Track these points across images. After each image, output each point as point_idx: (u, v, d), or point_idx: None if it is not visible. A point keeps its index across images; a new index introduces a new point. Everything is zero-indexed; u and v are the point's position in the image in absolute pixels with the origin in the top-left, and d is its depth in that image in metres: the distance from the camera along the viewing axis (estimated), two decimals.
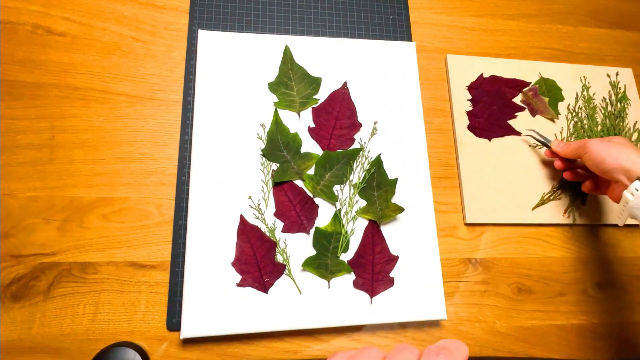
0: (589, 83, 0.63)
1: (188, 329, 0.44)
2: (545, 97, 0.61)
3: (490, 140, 0.58)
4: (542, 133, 0.59)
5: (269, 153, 0.50)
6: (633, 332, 0.54)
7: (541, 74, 0.62)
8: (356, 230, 0.50)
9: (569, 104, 0.61)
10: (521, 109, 0.60)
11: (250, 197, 0.49)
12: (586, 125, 0.61)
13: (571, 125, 0.60)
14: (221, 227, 0.47)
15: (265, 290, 0.46)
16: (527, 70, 0.62)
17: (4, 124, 0.48)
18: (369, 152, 0.53)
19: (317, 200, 0.50)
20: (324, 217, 0.50)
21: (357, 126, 0.53)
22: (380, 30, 0.60)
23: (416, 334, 0.50)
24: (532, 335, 0.52)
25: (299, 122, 0.53)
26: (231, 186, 0.49)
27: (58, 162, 0.48)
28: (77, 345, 0.43)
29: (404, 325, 0.49)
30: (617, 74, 0.64)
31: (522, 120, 0.59)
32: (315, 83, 0.54)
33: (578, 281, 0.55)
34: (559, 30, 0.67)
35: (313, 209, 0.50)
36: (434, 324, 0.50)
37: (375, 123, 0.54)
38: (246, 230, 0.48)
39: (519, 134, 0.59)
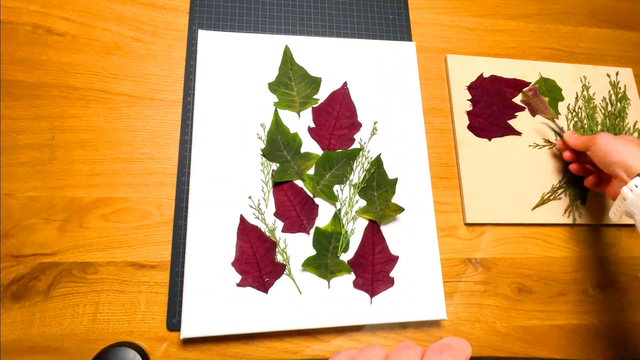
0: (589, 83, 0.63)
1: (188, 329, 0.44)
2: (545, 97, 0.61)
3: (490, 140, 0.58)
4: (544, 133, 0.59)
5: (269, 153, 0.50)
6: (633, 332, 0.54)
7: (541, 74, 0.62)
8: (356, 230, 0.50)
9: (569, 104, 0.61)
10: (521, 109, 0.60)
11: (250, 197, 0.49)
12: (586, 125, 0.61)
13: (571, 125, 0.60)
14: (221, 227, 0.47)
15: (265, 290, 0.46)
16: (527, 70, 0.62)
17: (4, 124, 0.48)
18: (369, 152, 0.53)
19: (317, 200, 0.50)
20: (324, 217, 0.50)
21: (357, 126, 0.53)
22: (380, 30, 0.60)
23: (416, 334, 0.50)
24: (532, 335, 0.52)
25: (299, 122, 0.53)
26: (231, 186, 0.49)
27: (58, 162, 0.48)
28: (77, 345, 0.43)
29: (404, 325, 0.49)
30: (617, 74, 0.64)
31: (522, 120, 0.59)
32: (315, 83, 0.54)
33: (578, 281, 0.55)
34: (559, 30, 0.67)
35: (313, 209, 0.50)
36: (434, 324, 0.50)
37: (375, 123, 0.54)
38: (246, 230, 0.48)
39: (519, 134, 0.59)
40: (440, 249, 0.52)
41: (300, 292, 0.47)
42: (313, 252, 0.48)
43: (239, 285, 0.46)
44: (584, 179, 0.55)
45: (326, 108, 0.54)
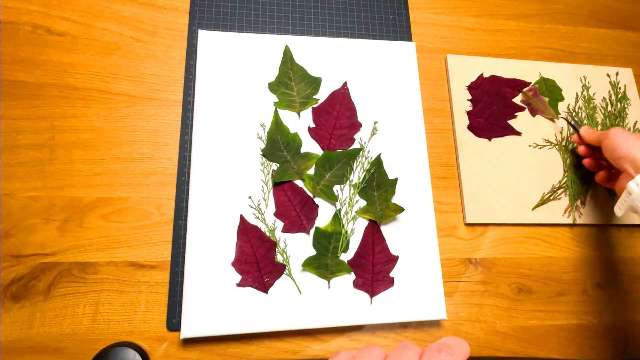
0: (589, 83, 0.63)
1: (188, 329, 0.44)
2: (545, 97, 0.61)
3: (490, 140, 0.58)
4: (544, 133, 0.59)
5: (269, 153, 0.50)
6: (633, 332, 0.54)
7: (541, 74, 0.62)
8: (356, 230, 0.50)
9: (569, 104, 0.61)
10: (521, 109, 0.60)
11: (250, 197, 0.49)
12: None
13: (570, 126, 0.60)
14: (221, 227, 0.47)
15: (265, 290, 0.46)
16: (527, 70, 0.62)
17: (4, 124, 0.48)
18: (369, 152, 0.53)
19: (317, 200, 0.50)
20: (324, 217, 0.50)
21: (357, 126, 0.53)
22: (380, 30, 0.60)
23: (416, 334, 0.50)
24: (532, 335, 0.52)
25: (299, 122, 0.53)
26: (231, 186, 0.49)
27: (58, 162, 0.48)
28: (77, 345, 0.43)
29: (404, 325, 0.49)
30: (617, 74, 0.64)
31: (522, 120, 0.59)
32: (315, 83, 0.54)
33: (578, 281, 0.55)
34: (559, 30, 0.67)
35: (313, 209, 0.50)
36: (434, 324, 0.50)
37: (375, 123, 0.54)
38: (246, 230, 0.48)
39: (519, 134, 0.59)
40: (440, 249, 0.52)
41: (300, 292, 0.47)
42: (313, 252, 0.48)
43: (239, 285, 0.46)
44: (587, 175, 0.56)
45: (326, 108, 0.54)
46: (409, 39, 0.61)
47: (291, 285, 0.47)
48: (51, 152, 0.49)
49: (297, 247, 0.48)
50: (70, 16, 0.53)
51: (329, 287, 0.48)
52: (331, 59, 0.56)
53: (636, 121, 0.62)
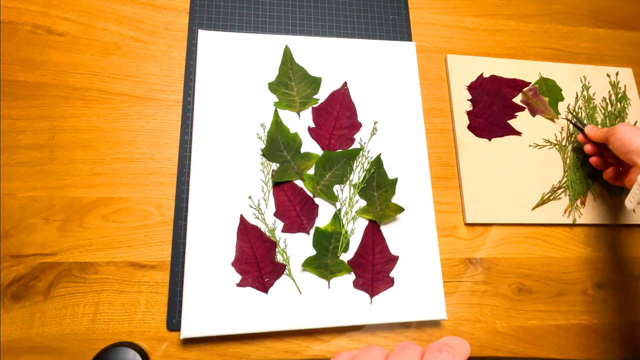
0: (589, 83, 0.63)
1: (188, 329, 0.44)
2: (545, 97, 0.61)
3: (490, 140, 0.58)
4: (544, 133, 0.59)
5: (269, 153, 0.50)
6: (633, 332, 0.54)
7: (541, 74, 0.62)
8: (356, 230, 0.50)
9: (569, 104, 0.61)
10: (521, 109, 0.60)
11: (250, 197, 0.49)
12: None
13: (571, 126, 0.60)
14: (221, 227, 0.47)
15: (265, 290, 0.46)
16: (527, 70, 0.62)
17: (4, 124, 0.48)
18: (369, 152, 0.53)
19: (317, 200, 0.50)
20: (324, 217, 0.50)
21: (357, 126, 0.53)
22: (380, 30, 0.60)
23: (416, 334, 0.50)
24: (532, 335, 0.52)
25: (299, 122, 0.53)
26: (231, 186, 0.49)
27: (58, 162, 0.48)
28: (77, 345, 0.43)
29: (404, 325, 0.49)
30: (617, 74, 0.64)
31: (522, 120, 0.59)
32: (315, 83, 0.54)
33: (578, 281, 0.55)
34: (559, 30, 0.67)
35: (313, 209, 0.50)
36: (434, 324, 0.50)
37: (375, 123, 0.54)
38: (246, 230, 0.48)
39: (519, 134, 0.59)
40: (440, 249, 0.52)
41: (300, 292, 0.47)
42: (313, 252, 0.48)
43: (239, 285, 0.46)
44: (587, 175, 0.56)
45: (326, 108, 0.54)
46: (409, 39, 0.61)
47: (291, 285, 0.47)
48: (51, 152, 0.49)
49: (297, 247, 0.48)
50: (70, 16, 0.53)
51: (329, 287, 0.48)
52: (331, 59, 0.56)
53: (636, 121, 0.62)
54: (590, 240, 0.57)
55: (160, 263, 0.47)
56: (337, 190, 0.51)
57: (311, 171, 0.51)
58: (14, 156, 0.48)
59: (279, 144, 0.51)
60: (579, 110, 0.61)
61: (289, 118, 0.52)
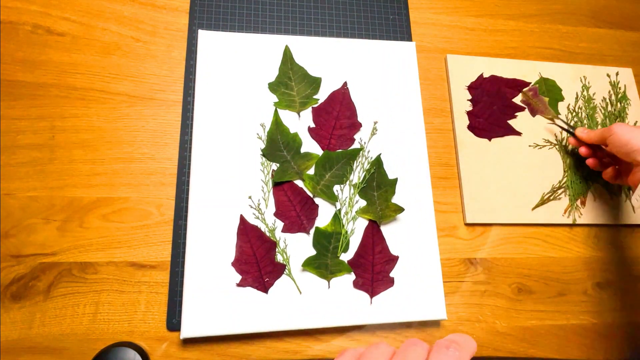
0: (589, 83, 0.63)
1: (188, 329, 0.44)
2: (545, 97, 0.61)
3: (490, 140, 0.58)
4: (544, 133, 0.59)
5: (269, 153, 0.50)
6: (633, 332, 0.54)
7: (541, 74, 0.62)
8: (356, 230, 0.50)
9: (569, 104, 0.61)
10: (521, 109, 0.60)
11: (250, 197, 0.49)
12: (586, 125, 0.61)
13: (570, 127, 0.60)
14: (221, 227, 0.47)
15: (265, 290, 0.46)
16: (527, 70, 0.62)
17: (4, 124, 0.48)
18: (369, 152, 0.53)
19: (317, 200, 0.50)
20: (324, 217, 0.50)
21: (357, 126, 0.53)
22: (380, 30, 0.60)
23: (416, 334, 0.50)
24: (532, 335, 0.52)
25: (299, 122, 0.53)
26: (231, 186, 0.49)
27: (58, 162, 0.48)
28: (77, 345, 0.43)
29: (404, 325, 0.49)
30: (617, 74, 0.64)
31: (522, 120, 0.59)
32: (315, 83, 0.54)
33: (578, 281, 0.55)
34: (559, 30, 0.67)
35: (313, 209, 0.50)
36: (434, 324, 0.50)
37: (375, 123, 0.54)
38: (246, 230, 0.48)
39: (519, 134, 0.59)
40: (440, 249, 0.52)
41: (300, 292, 0.47)
42: (313, 252, 0.48)
43: (239, 285, 0.46)
44: (587, 175, 0.55)
45: (326, 108, 0.54)
46: (409, 39, 0.61)
47: (291, 285, 0.47)
48: (51, 152, 0.49)
49: (297, 247, 0.48)
50: (70, 16, 0.53)
51: (329, 287, 0.48)
52: (331, 59, 0.56)
53: (636, 121, 0.62)
54: (590, 240, 0.57)
55: (160, 263, 0.47)
56: (337, 190, 0.51)
57: (311, 171, 0.51)
58: (14, 156, 0.48)
59: (279, 144, 0.51)
60: (579, 110, 0.61)
61: (289, 118, 0.52)
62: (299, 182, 0.50)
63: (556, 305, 0.53)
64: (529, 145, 0.59)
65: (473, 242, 0.54)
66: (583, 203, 0.58)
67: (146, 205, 0.49)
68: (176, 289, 0.46)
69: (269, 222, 0.49)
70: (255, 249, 0.47)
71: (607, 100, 0.63)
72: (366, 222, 0.50)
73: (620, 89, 0.64)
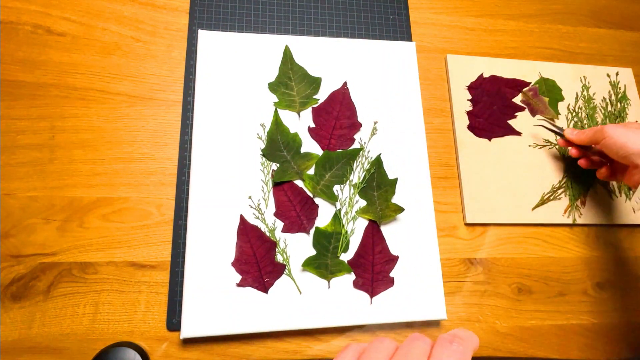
0: (589, 83, 0.63)
1: (188, 329, 0.44)
2: (545, 97, 0.61)
3: (490, 140, 0.58)
4: (544, 133, 0.59)
5: (269, 153, 0.50)
6: (633, 332, 0.54)
7: (541, 74, 0.62)
8: (356, 230, 0.50)
9: (569, 104, 0.61)
10: (521, 109, 0.60)
11: (250, 197, 0.49)
12: (586, 125, 0.61)
13: (571, 125, 0.60)
14: (221, 227, 0.47)
15: (265, 290, 0.46)
16: (527, 70, 0.62)
17: (4, 124, 0.48)
18: (369, 152, 0.53)
19: (317, 200, 0.50)
20: (324, 217, 0.50)
21: (357, 126, 0.53)
22: (380, 30, 0.60)
23: None
24: (532, 335, 0.52)
25: (299, 122, 0.53)
26: (231, 186, 0.49)
27: (58, 162, 0.48)
28: (77, 345, 0.43)
29: (404, 325, 0.49)
30: (617, 74, 0.64)
31: (522, 120, 0.59)
32: (315, 83, 0.54)
33: (578, 281, 0.55)
34: (559, 30, 0.67)
35: (313, 209, 0.50)
36: (434, 324, 0.50)
37: (375, 123, 0.54)
38: (246, 230, 0.48)
39: (519, 134, 0.59)
40: (440, 249, 0.52)
41: (300, 292, 0.47)
42: (313, 252, 0.48)
43: (239, 285, 0.46)
44: (587, 175, 0.55)
45: (326, 108, 0.54)
46: (409, 39, 0.61)
47: (291, 285, 0.47)
48: (51, 152, 0.49)
49: (297, 247, 0.48)
50: (70, 16, 0.53)
51: (329, 287, 0.48)
52: (331, 59, 0.56)
53: (636, 121, 0.62)
54: (590, 240, 0.57)
55: (160, 263, 0.47)
56: (337, 190, 0.51)
57: (311, 171, 0.51)
58: (14, 156, 0.48)
59: (279, 144, 0.51)
60: (579, 111, 0.61)
61: (289, 118, 0.52)
62: (299, 182, 0.50)
63: (556, 305, 0.53)
64: (529, 145, 0.59)
65: (473, 242, 0.54)
66: (583, 203, 0.58)
67: (146, 205, 0.49)
68: (176, 289, 0.46)
69: (269, 222, 0.49)
70: (255, 249, 0.47)
71: (607, 100, 0.63)
72: (366, 222, 0.50)
73: (620, 89, 0.64)
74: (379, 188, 0.51)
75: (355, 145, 0.53)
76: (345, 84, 0.55)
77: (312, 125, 0.53)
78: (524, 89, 0.61)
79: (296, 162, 0.51)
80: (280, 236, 0.48)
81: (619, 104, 0.63)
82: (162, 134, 0.51)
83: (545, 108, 0.60)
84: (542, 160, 0.58)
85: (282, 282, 0.47)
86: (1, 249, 0.45)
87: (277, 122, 0.52)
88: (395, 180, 0.52)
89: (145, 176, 0.50)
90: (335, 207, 0.50)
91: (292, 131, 0.52)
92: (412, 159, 0.54)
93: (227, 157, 0.50)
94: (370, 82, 0.56)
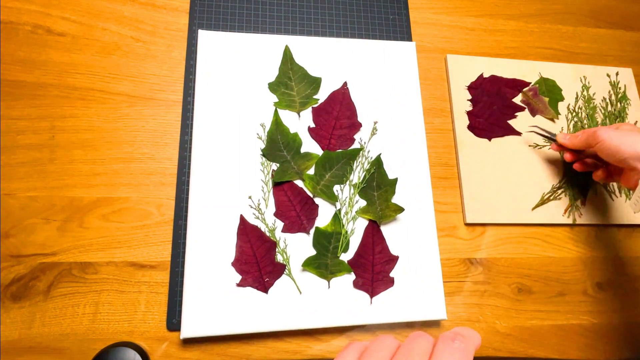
0: (589, 83, 0.63)
1: (188, 329, 0.44)
2: (545, 97, 0.61)
3: (490, 140, 0.58)
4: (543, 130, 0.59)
5: (269, 153, 0.50)
6: (633, 332, 0.54)
7: (541, 74, 0.62)
8: (356, 230, 0.50)
9: (569, 104, 0.62)
10: (521, 109, 0.60)
11: (250, 197, 0.49)
12: (586, 125, 0.61)
13: (571, 125, 0.60)
14: (221, 227, 0.47)
15: (265, 290, 0.46)
16: (527, 70, 0.62)
17: (4, 124, 0.48)
18: (369, 152, 0.53)
19: (317, 200, 0.50)
20: (324, 217, 0.50)
21: (357, 126, 0.53)
22: (380, 30, 0.60)
23: None
24: (532, 335, 0.52)
25: (299, 122, 0.53)
26: (231, 186, 0.49)
27: (58, 162, 0.48)
28: (77, 345, 0.43)
29: (404, 325, 0.49)
30: (617, 74, 0.64)
31: (522, 120, 0.59)
32: (315, 83, 0.54)
33: (578, 281, 0.55)
34: (559, 30, 0.67)
35: (313, 209, 0.50)
36: (434, 324, 0.50)
37: (375, 123, 0.54)
38: (246, 230, 0.48)
39: (519, 134, 0.59)
40: (440, 249, 0.52)
41: (300, 292, 0.47)
42: (313, 252, 0.48)
43: (239, 285, 0.46)
44: (587, 175, 0.55)
45: (326, 108, 0.54)
46: (409, 39, 0.61)
47: (291, 285, 0.47)
48: (51, 152, 0.49)
49: (297, 247, 0.48)
50: (70, 16, 0.53)
51: (329, 287, 0.48)
52: (331, 59, 0.56)
53: (636, 121, 0.62)
54: (590, 240, 0.57)
55: (160, 263, 0.47)
56: (337, 190, 0.51)
57: (311, 171, 0.51)
58: (14, 156, 0.48)
59: (279, 144, 0.51)
60: (579, 111, 0.61)
61: (289, 118, 0.52)
62: (299, 182, 0.50)
63: (556, 305, 0.53)
64: (529, 145, 0.59)
65: (473, 242, 0.54)
66: (583, 203, 0.58)
67: (146, 205, 0.49)
68: (176, 289, 0.46)
69: (269, 222, 0.49)
70: (255, 249, 0.47)
71: (607, 100, 0.63)
72: (366, 222, 0.50)
73: (620, 89, 0.64)
74: (379, 188, 0.51)
75: (355, 145, 0.53)
76: (345, 84, 0.55)
77: (312, 125, 0.53)
78: (524, 89, 0.61)
79: (296, 162, 0.51)
80: (280, 236, 0.48)
81: (619, 104, 0.63)
82: (162, 134, 0.51)
83: (545, 108, 0.60)
84: (542, 160, 0.58)
85: (282, 282, 0.47)
86: (1, 249, 0.45)
87: (277, 122, 0.52)
88: (395, 180, 0.52)
89: (145, 176, 0.50)
90: (335, 207, 0.50)
91: (292, 131, 0.52)
92: (412, 159, 0.54)
93: (227, 157, 0.50)
94: (370, 82, 0.56)
